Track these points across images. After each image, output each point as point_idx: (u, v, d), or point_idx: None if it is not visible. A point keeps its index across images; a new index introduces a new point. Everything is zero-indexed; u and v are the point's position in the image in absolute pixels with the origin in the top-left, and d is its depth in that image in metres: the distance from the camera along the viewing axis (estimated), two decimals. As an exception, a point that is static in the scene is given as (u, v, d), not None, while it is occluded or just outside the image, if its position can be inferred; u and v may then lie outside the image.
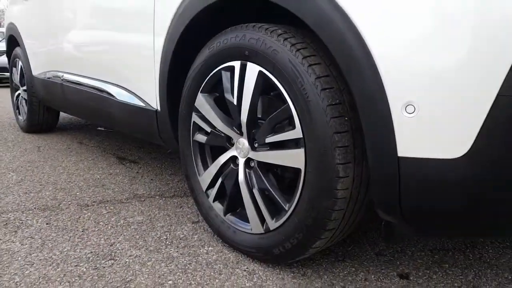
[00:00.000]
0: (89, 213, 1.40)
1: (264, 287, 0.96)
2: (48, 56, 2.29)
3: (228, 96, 1.06)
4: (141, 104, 1.44)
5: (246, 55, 0.98)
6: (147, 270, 1.03)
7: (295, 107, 0.88)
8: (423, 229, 0.86)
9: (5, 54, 8.51)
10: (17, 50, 2.86)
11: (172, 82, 1.28)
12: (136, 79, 1.46)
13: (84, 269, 1.03)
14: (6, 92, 6.86)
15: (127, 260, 1.08)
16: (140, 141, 2.53)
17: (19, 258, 1.09)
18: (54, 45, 2.17)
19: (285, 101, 0.90)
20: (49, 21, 2.21)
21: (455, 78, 0.67)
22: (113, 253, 1.11)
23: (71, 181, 1.76)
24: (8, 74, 9.18)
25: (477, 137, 0.67)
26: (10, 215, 1.38)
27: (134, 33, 1.41)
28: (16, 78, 2.95)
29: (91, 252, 1.12)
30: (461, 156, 0.69)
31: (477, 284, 0.98)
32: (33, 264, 1.05)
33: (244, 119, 1.02)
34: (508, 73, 0.64)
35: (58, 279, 0.98)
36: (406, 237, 1.19)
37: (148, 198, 1.56)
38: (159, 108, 1.36)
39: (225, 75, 1.06)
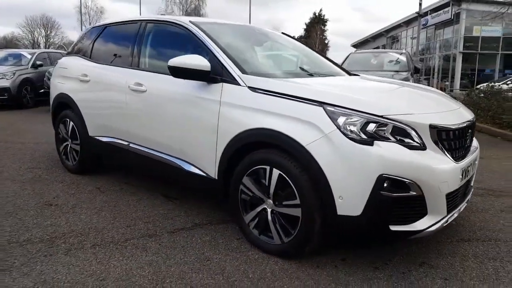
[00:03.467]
0: (178, 237, 2.52)
1: (284, 269, 2.16)
2: (111, 127, 3.32)
3: (262, 180, 2.25)
4: (204, 174, 2.58)
5: (273, 165, 2.17)
6: (230, 263, 2.19)
7: (297, 190, 2.09)
8: (352, 237, 2.14)
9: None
10: (67, 112, 3.82)
11: (226, 165, 2.44)
12: (204, 160, 2.56)
13: (199, 266, 2.17)
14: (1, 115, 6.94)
15: (216, 260, 2.23)
16: (170, 180, 3.60)
17: (161, 264, 2.19)
18: (116, 119, 3.22)
19: (292, 187, 2.11)
20: (112, 102, 3.25)
21: (353, 187, 1.92)
22: (207, 258, 2.26)
23: (149, 216, 2.84)
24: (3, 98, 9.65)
25: (364, 207, 1.92)
26: (133, 241, 2.46)
27: (204, 136, 2.52)
28: (65, 132, 3.90)
29: (195, 257, 2.25)
30: (359, 214, 1.94)
31: (350, 274, 2.26)
32: (171, 266, 2.17)
33: (271, 192, 2.22)
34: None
35: (189, 272, 2.11)
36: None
37: (204, 225, 2.71)
38: (216, 178, 2.51)
39: (261, 171, 2.25)
